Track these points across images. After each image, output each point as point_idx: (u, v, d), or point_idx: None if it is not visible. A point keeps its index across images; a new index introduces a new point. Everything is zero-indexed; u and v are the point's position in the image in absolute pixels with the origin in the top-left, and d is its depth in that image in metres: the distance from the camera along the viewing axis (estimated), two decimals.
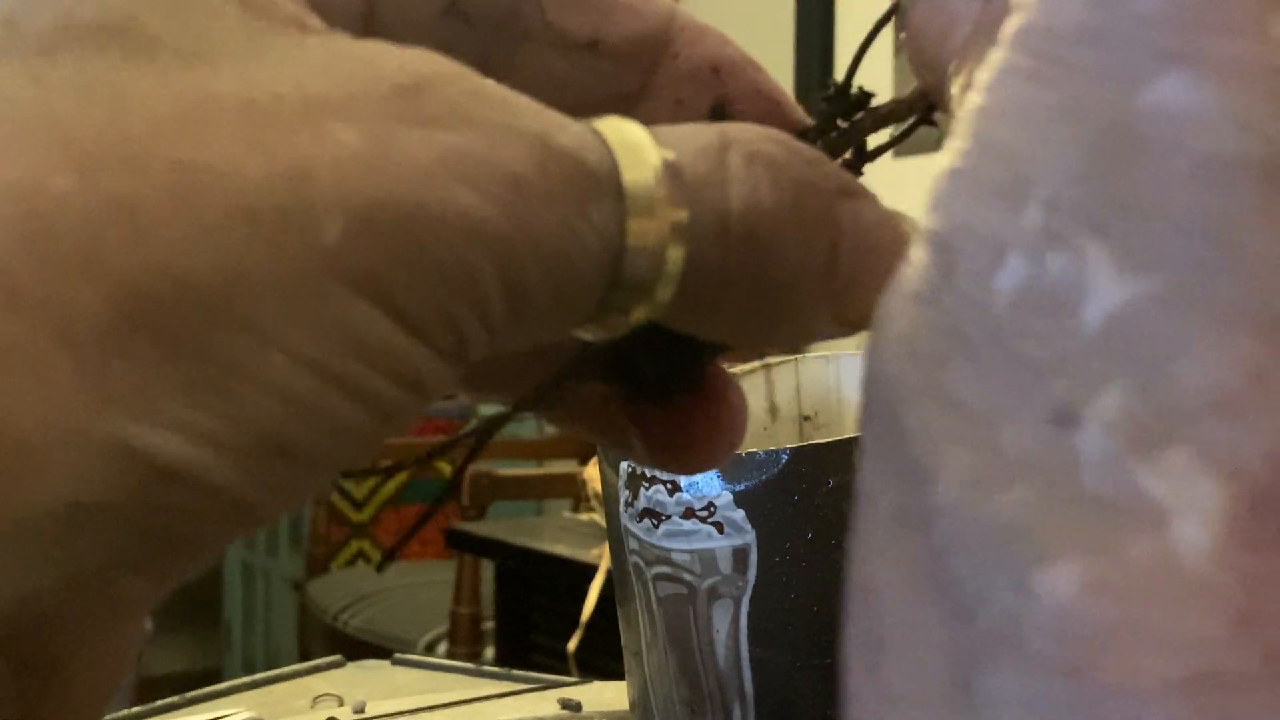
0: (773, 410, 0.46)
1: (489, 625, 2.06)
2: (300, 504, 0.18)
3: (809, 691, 0.35)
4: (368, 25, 0.21)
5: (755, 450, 0.34)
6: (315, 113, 0.16)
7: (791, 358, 0.46)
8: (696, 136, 0.20)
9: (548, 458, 2.63)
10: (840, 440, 0.34)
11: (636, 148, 0.19)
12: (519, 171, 0.17)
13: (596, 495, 1.58)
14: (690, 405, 0.24)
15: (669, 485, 0.35)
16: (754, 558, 0.34)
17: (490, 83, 0.18)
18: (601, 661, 1.36)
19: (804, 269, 0.20)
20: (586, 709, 0.65)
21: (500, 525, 1.76)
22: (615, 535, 0.38)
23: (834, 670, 0.34)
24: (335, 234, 0.16)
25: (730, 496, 0.34)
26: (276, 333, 0.16)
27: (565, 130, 0.18)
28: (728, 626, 0.35)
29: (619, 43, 0.23)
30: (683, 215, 0.19)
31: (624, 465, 0.37)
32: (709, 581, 0.35)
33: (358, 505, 2.87)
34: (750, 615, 0.35)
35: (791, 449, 0.34)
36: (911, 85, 0.26)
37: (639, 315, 0.19)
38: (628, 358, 0.23)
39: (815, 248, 0.20)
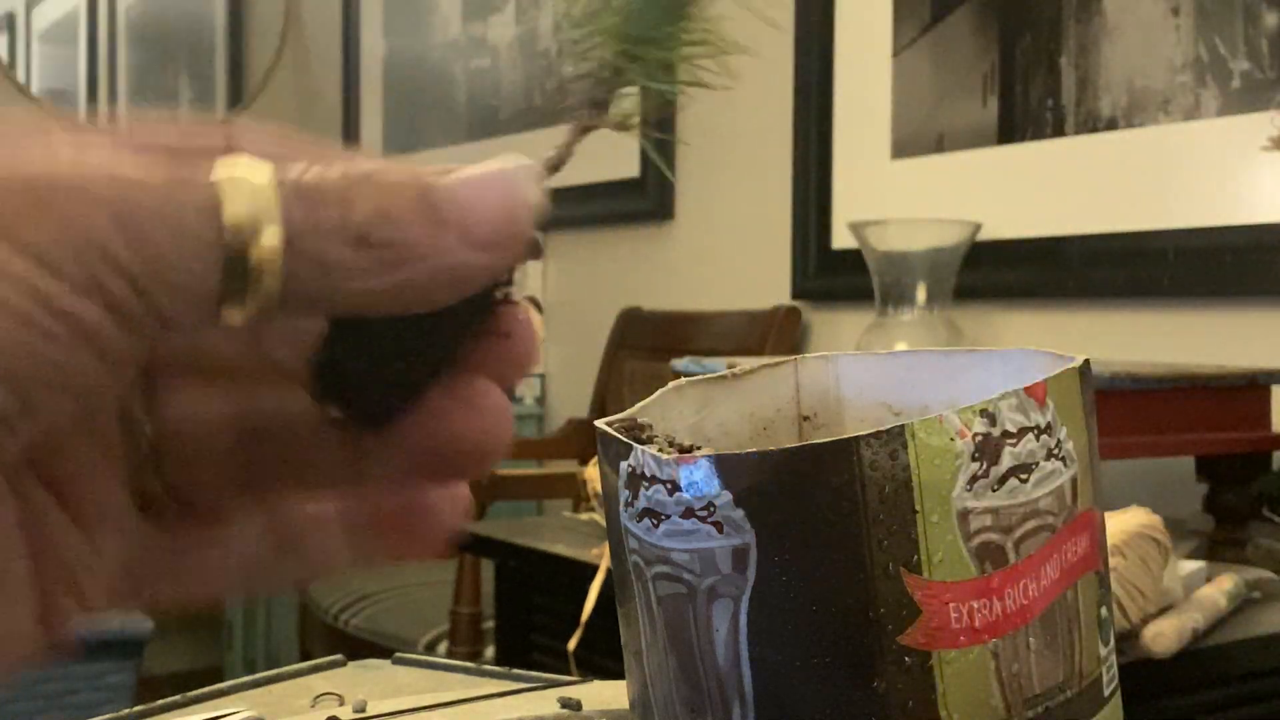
0: (775, 410, 0.46)
1: (489, 624, 2.06)
2: (44, 420, 0.24)
3: (809, 691, 0.35)
4: None
5: (755, 450, 0.34)
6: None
7: (790, 358, 0.46)
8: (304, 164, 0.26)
9: (548, 458, 2.63)
10: (840, 440, 0.34)
11: (240, 160, 0.25)
12: (124, 170, 0.24)
13: (596, 495, 1.58)
14: (420, 423, 0.28)
15: (669, 485, 0.35)
16: (754, 558, 0.34)
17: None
18: (601, 661, 1.36)
19: (394, 218, 0.25)
20: (586, 708, 0.65)
21: (500, 525, 1.76)
22: (615, 535, 0.38)
23: (834, 670, 0.34)
24: None
25: (730, 496, 0.34)
26: None
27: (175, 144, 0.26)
28: (728, 626, 0.35)
29: None
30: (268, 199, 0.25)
31: (624, 465, 0.37)
32: (709, 581, 0.35)
33: None
34: (750, 615, 0.35)
35: (791, 449, 0.34)
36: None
37: (263, 292, 0.25)
38: (337, 373, 0.27)
39: (403, 202, 0.26)
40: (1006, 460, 0.35)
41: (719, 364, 1.58)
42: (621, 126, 0.31)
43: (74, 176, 0.24)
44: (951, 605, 0.34)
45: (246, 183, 0.25)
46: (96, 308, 0.24)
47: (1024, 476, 0.35)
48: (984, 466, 0.34)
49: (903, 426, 0.33)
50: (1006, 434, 0.35)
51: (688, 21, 0.31)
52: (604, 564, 1.39)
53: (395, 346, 0.27)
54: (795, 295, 2.34)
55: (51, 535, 0.28)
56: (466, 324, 0.28)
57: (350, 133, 3.67)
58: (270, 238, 0.25)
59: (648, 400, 0.42)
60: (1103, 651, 0.38)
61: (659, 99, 0.31)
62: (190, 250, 0.24)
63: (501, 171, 0.27)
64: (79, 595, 0.28)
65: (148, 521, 0.30)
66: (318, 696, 0.68)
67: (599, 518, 1.62)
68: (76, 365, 0.24)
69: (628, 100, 0.31)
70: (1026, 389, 0.35)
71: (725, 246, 2.54)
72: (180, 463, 0.30)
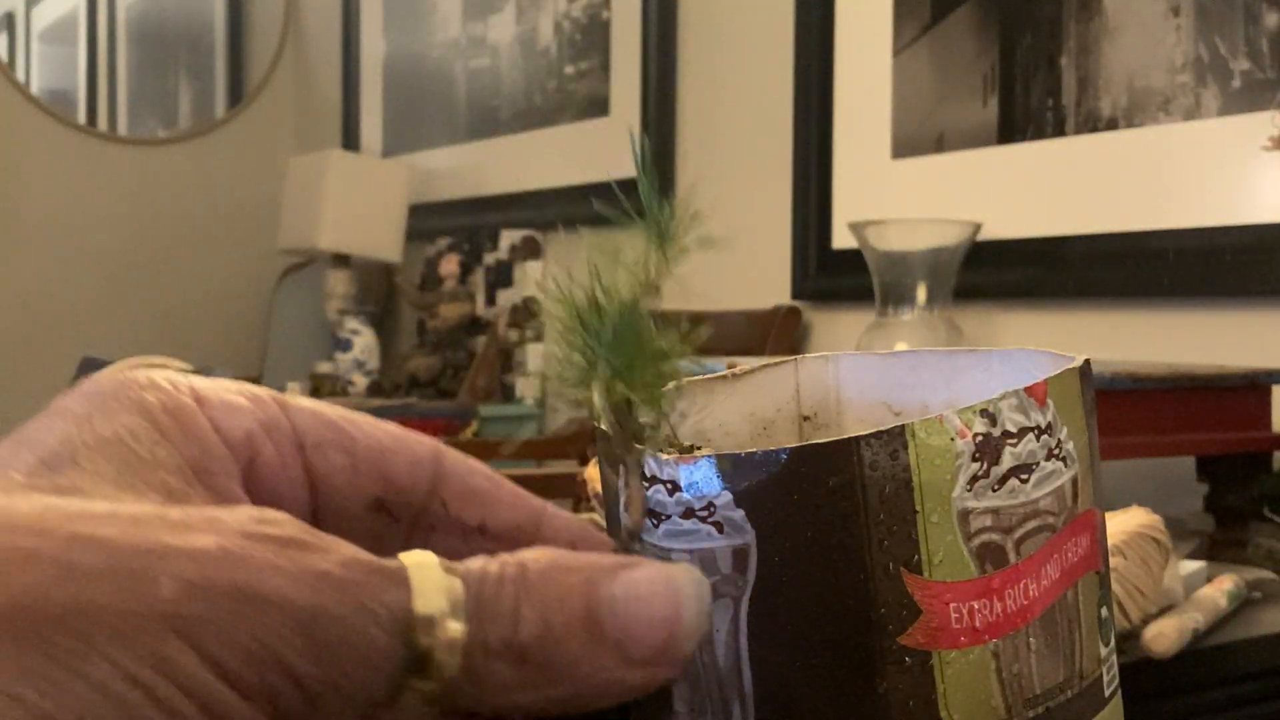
0: (775, 409, 0.46)
1: None
2: None
3: (809, 691, 0.35)
4: (314, 517, 0.28)
5: (755, 450, 0.34)
6: (184, 523, 0.24)
7: (790, 358, 0.46)
8: (483, 563, 0.26)
9: (548, 458, 2.63)
10: (840, 440, 0.34)
11: (425, 562, 0.25)
12: (325, 568, 0.24)
13: (596, 495, 1.58)
14: None
15: (669, 485, 0.35)
16: (754, 558, 0.34)
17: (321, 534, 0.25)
18: None
19: (557, 637, 0.26)
20: None
21: None
22: (615, 534, 0.38)
23: (834, 670, 0.34)
24: (170, 590, 0.22)
25: (730, 496, 0.34)
26: (102, 645, 0.22)
27: (366, 553, 0.25)
28: (728, 626, 0.35)
29: (500, 528, 0.30)
30: (455, 600, 0.25)
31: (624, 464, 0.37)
32: (709, 581, 0.35)
33: None
34: (750, 615, 0.35)
35: (791, 449, 0.34)
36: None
37: (429, 686, 0.25)
38: None
39: (568, 618, 0.26)
40: (1007, 460, 0.35)
41: (719, 364, 1.58)
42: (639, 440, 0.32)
43: (276, 589, 0.24)
44: (952, 605, 0.34)
45: (434, 586, 0.25)
46: (260, 711, 0.23)
47: (1024, 476, 0.35)
48: (984, 466, 0.34)
49: (903, 426, 0.33)
50: (1007, 434, 0.35)
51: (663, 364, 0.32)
52: None
53: None
54: (795, 295, 2.34)
55: None
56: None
57: (350, 133, 3.67)
58: (454, 650, 0.25)
59: None
60: (1103, 652, 0.38)
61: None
62: (372, 665, 0.24)
63: (669, 582, 0.27)
64: None
65: None
66: None
67: (599, 518, 1.62)
68: None
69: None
70: (1027, 389, 0.35)
71: (725, 249, 2.54)
72: None
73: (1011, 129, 1.97)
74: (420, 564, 0.25)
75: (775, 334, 2.29)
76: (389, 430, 0.29)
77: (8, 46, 3.86)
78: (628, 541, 0.30)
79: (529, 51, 3.06)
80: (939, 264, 1.86)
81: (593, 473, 1.70)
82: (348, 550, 0.24)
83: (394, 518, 0.28)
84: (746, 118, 2.45)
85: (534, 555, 0.26)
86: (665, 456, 0.35)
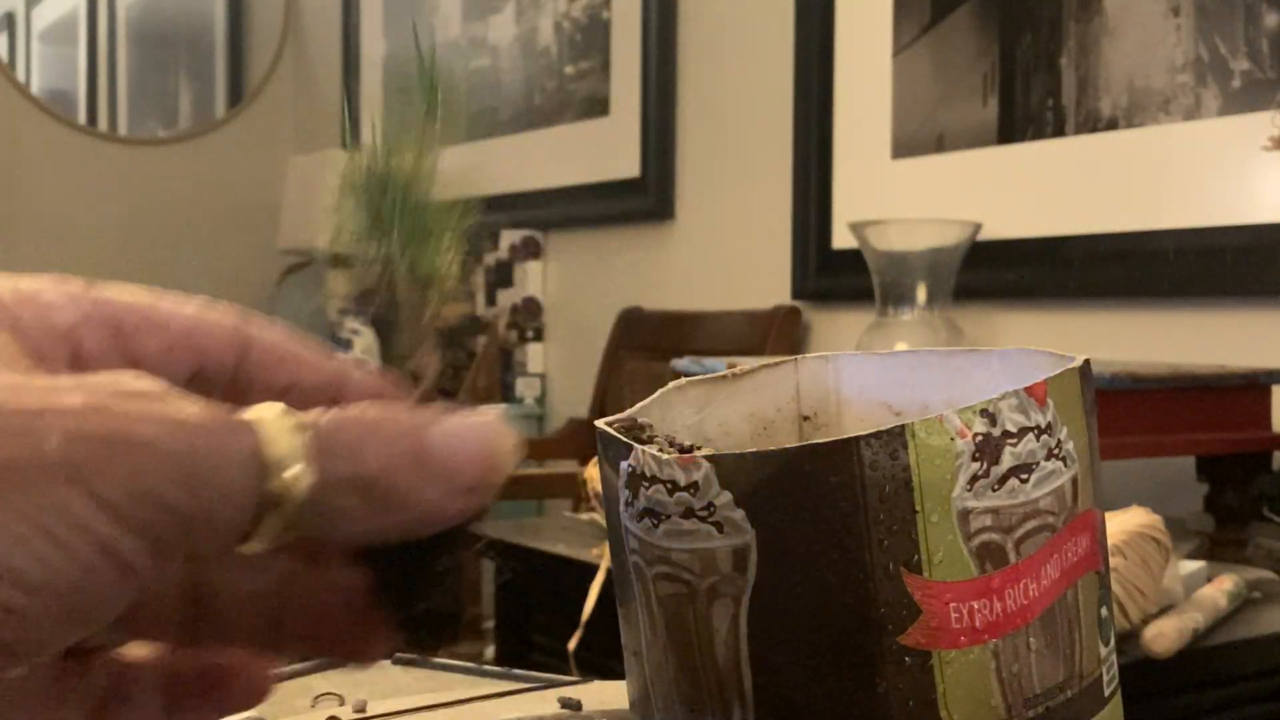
0: (775, 409, 0.46)
1: (489, 624, 2.05)
2: (64, 639, 0.27)
3: (809, 691, 0.35)
4: None
5: (755, 450, 0.34)
6: (54, 387, 0.26)
7: (790, 358, 0.46)
8: (321, 411, 0.29)
9: (548, 458, 2.63)
10: (840, 440, 0.34)
11: (270, 414, 0.28)
12: (185, 417, 0.27)
13: (596, 495, 1.58)
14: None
15: (669, 485, 0.35)
16: (754, 558, 0.34)
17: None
18: (601, 661, 1.35)
19: (390, 469, 0.29)
20: (587, 708, 0.65)
21: (500, 525, 1.76)
22: (615, 535, 0.38)
23: (834, 670, 0.34)
24: (56, 442, 0.25)
25: (730, 496, 0.34)
26: (4, 495, 0.25)
27: (218, 404, 0.28)
28: (728, 626, 0.35)
29: (308, 388, 0.32)
30: (297, 441, 0.28)
31: (624, 465, 0.37)
32: (709, 581, 0.35)
33: None
34: (750, 615, 0.35)
35: (791, 449, 0.34)
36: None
37: (277, 531, 0.28)
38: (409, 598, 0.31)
39: (403, 455, 0.29)
40: (1007, 460, 0.35)
41: (719, 364, 1.58)
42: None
43: (148, 435, 0.26)
44: (952, 605, 0.34)
45: (280, 432, 0.28)
46: (144, 546, 0.26)
47: (1024, 476, 0.35)
48: (984, 466, 0.34)
49: (903, 426, 0.33)
50: (1007, 434, 0.35)
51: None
52: (604, 564, 1.39)
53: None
54: (795, 295, 2.34)
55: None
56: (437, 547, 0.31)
57: (350, 133, 3.67)
58: (301, 485, 0.28)
59: (648, 400, 0.42)
60: (1103, 651, 0.38)
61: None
62: (235, 503, 0.27)
63: (483, 426, 0.30)
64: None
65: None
66: (318, 696, 0.68)
67: (599, 518, 1.62)
68: (100, 595, 0.26)
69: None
70: (1027, 389, 0.35)
71: (725, 246, 2.54)
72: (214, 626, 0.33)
73: (1011, 129, 1.97)
74: (266, 415, 0.28)
75: (775, 334, 2.29)
76: (196, 306, 0.32)
77: (8, 46, 3.86)
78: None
79: (529, 52, 3.05)
80: (939, 264, 1.86)
81: (592, 473, 1.70)
82: (201, 402, 0.27)
83: (211, 386, 0.31)
84: (746, 118, 2.45)
85: (364, 406, 0.30)
86: (665, 456, 0.35)
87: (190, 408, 0.27)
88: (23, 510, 0.25)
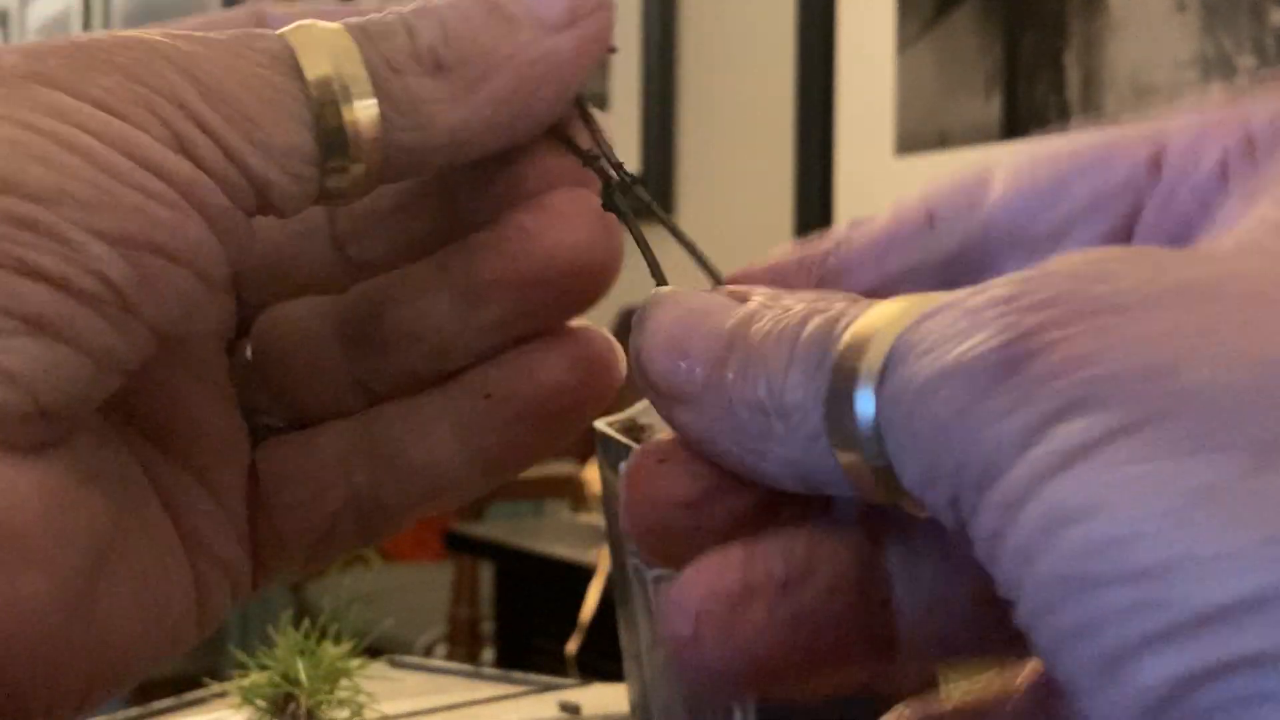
0: None
1: (488, 627, 2.05)
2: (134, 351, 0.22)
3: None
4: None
5: None
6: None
7: None
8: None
9: (547, 458, 2.62)
10: None
11: (297, 24, 0.23)
12: (192, 30, 0.22)
13: (596, 496, 1.57)
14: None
15: None
16: None
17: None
18: (601, 664, 1.35)
19: (461, 30, 0.24)
20: (586, 711, 0.65)
21: (499, 526, 1.76)
22: (614, 537, 0.37)
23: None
24: (52, 57, 0.21)
25: None
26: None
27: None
28: None
29: None
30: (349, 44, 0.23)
31: (623, 466, 0.36)
32: None
33: None
34: None
35: None
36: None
37: (365, 154, 0.23)
38: None
39: (463, 9, 0.24)
40: None
41: None
42: None
43: (129, 36, 0.22)
44: None
45: (317, 30, 0.23)
46: (188, 165, 0.21)
47: None
48: None
49: None
50: None
51: None
52: (603, 566, 1.38)
53: None
54: None
55: (173, 496, 0.26)
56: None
57: None
58: (361, 87, 0.23)
59: (648, 401, 0.41)
60: None
61: None
62: (275, 107, 0.22)
63: None
64: (219, 563, 0.27)
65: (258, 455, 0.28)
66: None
67: (598, 519, 1.61)
68: (187, 235, 0.21)
69: None
70: None
71: (726, 244, 2.54)
72: (283, 378, 0.28)
73: (1015, 126, 1.96)
74: (293, 26, 0.23)
75: None
76: None
77: (3, 43, 3.85)
78: None
79: None
80: None
81: (592, 474, 1.69)
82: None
83: None
84: (747, 114, 2.44)
85: None
86: None
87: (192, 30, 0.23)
88: (12, 118, 0.21)
